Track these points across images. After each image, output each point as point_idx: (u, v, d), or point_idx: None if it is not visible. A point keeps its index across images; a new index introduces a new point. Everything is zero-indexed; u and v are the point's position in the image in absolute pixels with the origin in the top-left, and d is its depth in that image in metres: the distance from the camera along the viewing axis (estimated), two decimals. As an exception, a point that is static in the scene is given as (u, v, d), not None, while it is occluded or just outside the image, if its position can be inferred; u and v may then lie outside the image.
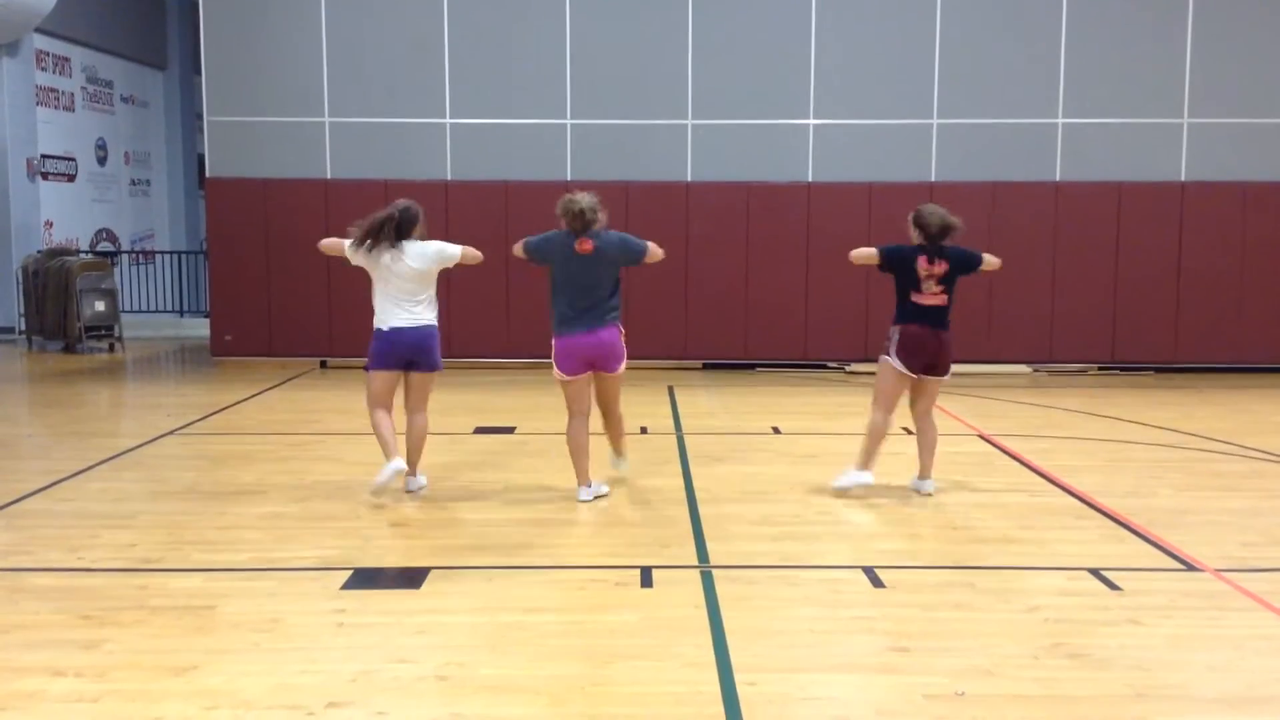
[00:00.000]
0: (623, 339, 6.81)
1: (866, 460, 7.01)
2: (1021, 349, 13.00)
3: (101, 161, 19.17)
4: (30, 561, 5.68)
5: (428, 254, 6.79)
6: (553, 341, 6.75)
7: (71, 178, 18.17)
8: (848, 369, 13.05)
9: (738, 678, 4.25)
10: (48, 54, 17.38)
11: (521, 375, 12.71)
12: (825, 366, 13.27)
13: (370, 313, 6.81)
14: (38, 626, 4.77)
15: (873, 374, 11.98)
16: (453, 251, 6.89)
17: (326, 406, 10.63)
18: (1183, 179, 12.95)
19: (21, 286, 15.05)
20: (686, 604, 5.08)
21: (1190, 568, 5.68)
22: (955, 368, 6.93)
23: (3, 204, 15.82)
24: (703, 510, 6.72)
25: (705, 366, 13.32)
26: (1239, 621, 4.94)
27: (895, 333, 6.84)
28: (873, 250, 6.85)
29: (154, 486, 7.34)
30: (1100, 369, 13.12)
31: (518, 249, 6.94)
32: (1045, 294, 13.01)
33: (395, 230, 6.68)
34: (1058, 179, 13.01)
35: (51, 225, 17.21)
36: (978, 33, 12.96)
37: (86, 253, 17.39)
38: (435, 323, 6.88)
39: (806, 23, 12.98)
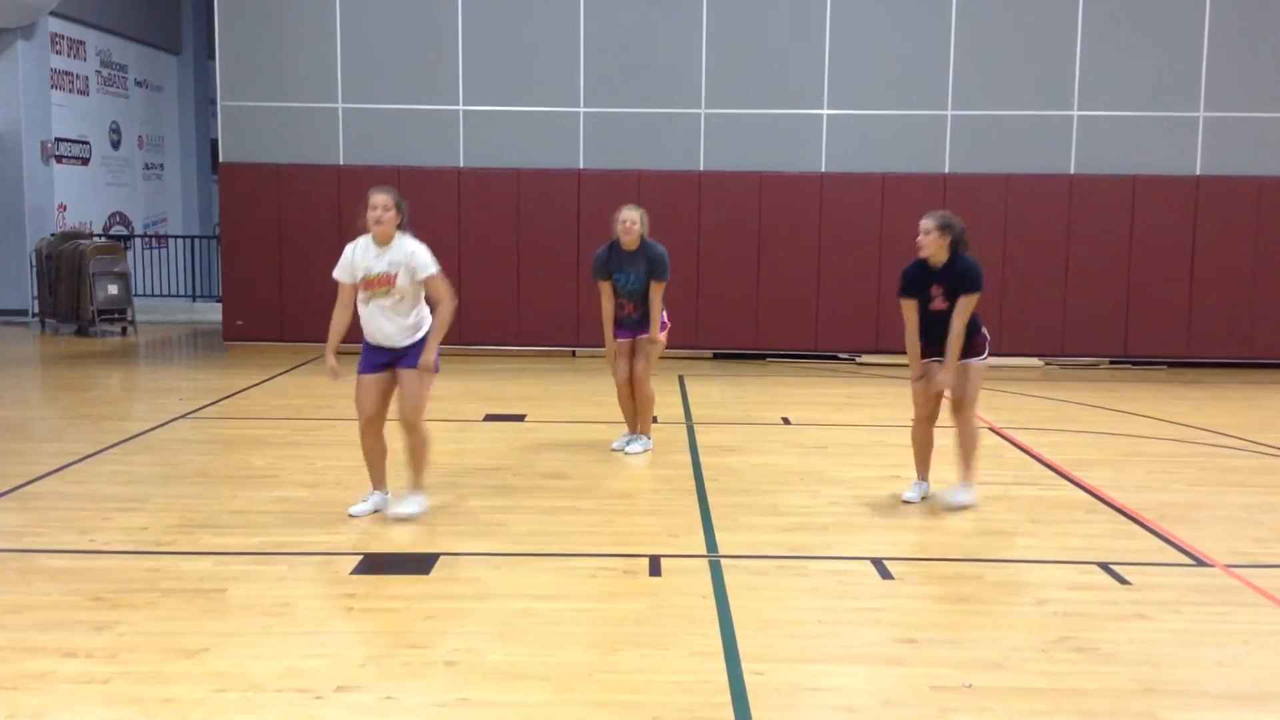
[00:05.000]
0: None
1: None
2: (1033, 342, 12.95)
3: (115, 145, 19.21)
4: (42, 543, 5.72)
5: None
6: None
7: (85, 161, 18.21)
8: (858, 360, 13.03)
9: (745, 667, 4.26)
10: (62, 37, 17.41)
11: (531, 363, 12.72)
12: (836, 357, 13.24)
13: None
14: (49, 607, 4.79)
15: (884, 365, 11.95)
16: None
17: (338, 392, 10.60)
18: (1198, 173, 12.89)
19: (35, 269, 15.11)
20: (695, 593, 5.09)
21: (1200, 563, 5.66)
22: (967, 360, 6.69)
23: (17, 187, 15.87)
24: (712, 500, 6.72)
25: (716, 356, 13.31)
26: (1248, 617, 4.93)
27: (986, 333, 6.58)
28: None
29: (165, 470, 7.38)
30: (1112, 363, 13.07)
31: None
32: (1058, 287, 12.96)
33: None
34: (1072, 172, 12.95)
35: (65, 208, 17.26)
36: (993, 24, 12.90)
37: (100, 236, 17.43)
38: None
39: (821, 12, 12.93)
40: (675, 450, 8.12)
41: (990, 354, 6.63)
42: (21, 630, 4.53)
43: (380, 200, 5.97)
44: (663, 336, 7.89)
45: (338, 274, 6.11)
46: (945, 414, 6.76)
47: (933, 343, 6.46)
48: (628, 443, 8.07)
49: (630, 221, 7.66)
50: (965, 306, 6.30)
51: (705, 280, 13.11)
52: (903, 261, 6.72)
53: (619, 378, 7.97)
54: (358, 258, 6.04)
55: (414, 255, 5.99)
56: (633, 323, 7.84)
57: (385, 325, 6.02)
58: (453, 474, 7.26)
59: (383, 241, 6.00)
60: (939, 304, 6.34)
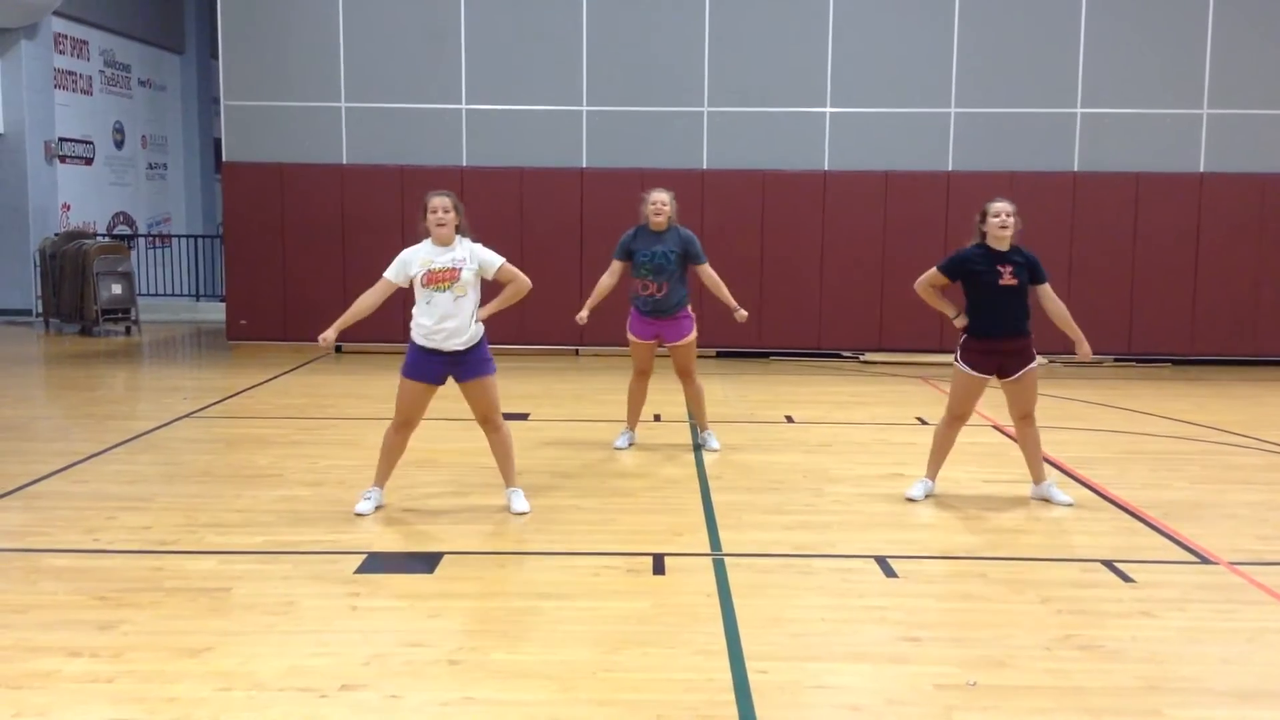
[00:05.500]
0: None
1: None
2: (1037, 340, 12.86)
3: (119, 145, 19.23)
4: (47, 542, 5.72)
5: None
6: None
7: (89, 161, 18.23)
8: (862, 358, 13.02)
9: (749, 666, 4.26)
10: (66, 37, 17.43)
11: (535, 362, 12.72)
12: (839, 356, 13.24)
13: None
14: (54, 607, 4.80)
15: (887, 363, 11.96)
16: None
17: (341, 391, 10.66)
18: (1201, 170, 12.87)
19: (39, 269, 15.14)
20: (698, 592, 5.09)
21: (1204, 560, 5.66)
22: (1028, 368, 6.82)
23: (21, 187, 15.90)
24: (715, 498, 6.72)
25: (719, 355, 13.30)
26: (1252, 614, 4.92)
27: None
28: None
29: (170, 469, 7.38)
30: (1116, 361, 13.06)
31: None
32: (1061, 285, 12.74)
33: None
34: (1075, 169, 12.94)
35: (69, 208, 17.29)
36: (996, 21, 12.89)
37: (103, 236, 17.47)
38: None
39: (824, 10, 12.92)
40: (679, 448, 8.12)
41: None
42: (26, 629, 4.53)
43: (440, 203, 6.07)
44: (692, 337, 7.83)
45: (387, 273, 6.12)
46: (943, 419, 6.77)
47: (1004, 322, 6.53)
48: (627, 440, 8.12)
49: (660, 204, 7.62)
50: (1052, 293, 6.67)
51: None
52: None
53: (638, 367, 7.93)
54: (418, 259, 6.06)
55: (479, 252, 6.18)
56: (654, 304, 7.66)
57: (450, 322, 6.05)
58: (456, 472, 7.27)
59: (444, 243, 6.09)
60: (1009, 279, 6.46)
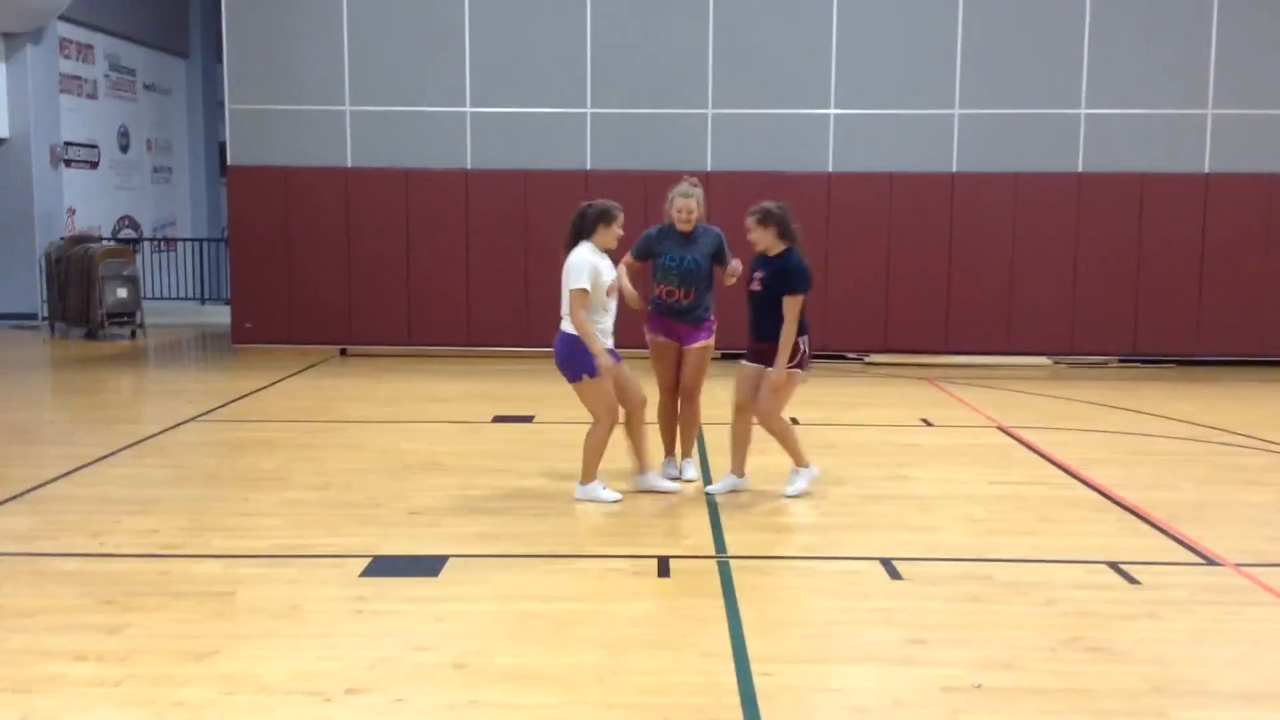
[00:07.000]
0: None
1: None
2: (1042, 340, 12.92)
3: (124, 149, 19.26)
4: (53, 546, 5.74)
5: (567, 268, 6.57)
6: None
7: (94, 165, 18.26)
8: (866, 360, 13.01)
9: (754, 668, 4.26)
10: (71, 42, 17.46)
11: (541, 364, 12.71)
12: (844, 357, 13.22)
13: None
14: (60, 611, 4.81)
15: (893, 365, 11.96)
16: (570, 282, 6.49)
17: (347, 394, 10.67)
18: (1206, 170, 12.85)
19: (44, 273, 15.16)
20: (703, 594, 5.09)
21: (1210, 562, 5.65)
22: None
23: (26, 191, 15.92)
24: (720, 500, 6.72)
25: (723, 356, 13.26)
26: (1259, 616, 4.91)
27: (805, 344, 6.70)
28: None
29: (175, 473, 7.40)
30: (1121, 361, 13.04)
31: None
32: (1066, 285, 12.93)
33: (571, 232, 6.65)
34: (1080, 170, 12.92)
35: (74, 212, 17.31)
36: (1000, 22, 12.87)
37: (109, 239, 17.47)
38: (569, 331, 6.57)
39: (828, 11, 12.92)
40: (684, 451, 8.12)
41: (800, 366, 6.71)
42: (34, 633, 4.54)
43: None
44: (708, 343, 7.06)
45: (584, 284, 6.49)
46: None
47: (752, 326, 6.78)
48: (674, 472, 7.21)
49: (686, 211, 6.94)
50: (787, 306, 6.58)
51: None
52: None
53: (662, 382, 7.10)
54: (601, 267, 6.53)
55: None
56: (679, 311, 6.94)
57: None
58: (460, 476, 7.27)
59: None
60: (755, 285, 6.72)
